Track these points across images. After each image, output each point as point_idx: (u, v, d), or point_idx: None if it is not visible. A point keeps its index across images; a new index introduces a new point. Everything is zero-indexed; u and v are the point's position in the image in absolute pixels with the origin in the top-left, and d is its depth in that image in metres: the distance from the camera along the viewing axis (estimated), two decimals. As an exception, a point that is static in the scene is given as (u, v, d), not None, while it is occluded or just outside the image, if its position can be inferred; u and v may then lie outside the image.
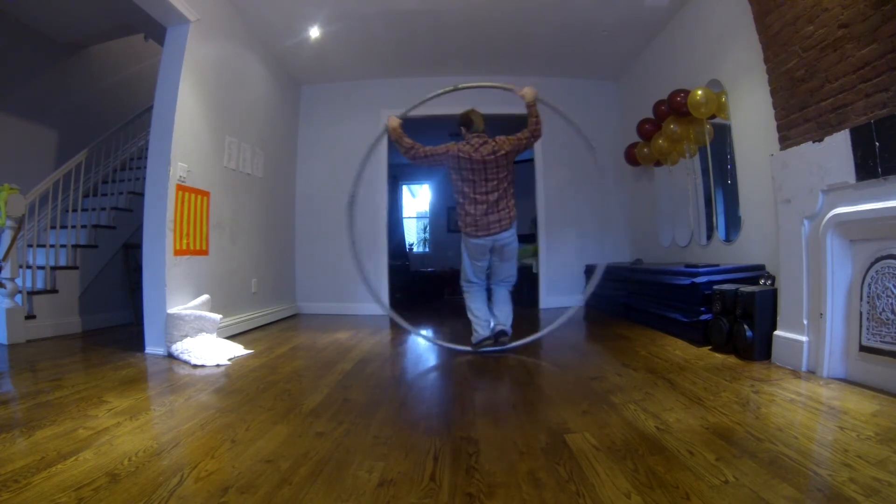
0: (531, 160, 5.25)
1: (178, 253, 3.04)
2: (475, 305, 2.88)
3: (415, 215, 9.81)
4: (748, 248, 3.10)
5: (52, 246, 3.80)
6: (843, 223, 2.01)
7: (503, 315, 2.89)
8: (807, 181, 2.18)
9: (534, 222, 5.45)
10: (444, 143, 2.79)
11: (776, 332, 2.35)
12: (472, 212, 2.71)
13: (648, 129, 4.08)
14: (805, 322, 2.18)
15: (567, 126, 3.05)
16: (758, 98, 2.80)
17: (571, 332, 3.81)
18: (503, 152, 2.71)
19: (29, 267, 3.63)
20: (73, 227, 4.02)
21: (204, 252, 3.35)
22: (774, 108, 2.47)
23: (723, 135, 3.35)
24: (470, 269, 2.88)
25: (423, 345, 3.35)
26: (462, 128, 2.85)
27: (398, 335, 3.78)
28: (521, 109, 2.88)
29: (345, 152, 5.16)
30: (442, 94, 2.89)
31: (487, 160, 2.69)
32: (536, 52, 4.61)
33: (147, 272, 2.96)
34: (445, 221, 9.29)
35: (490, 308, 2.94)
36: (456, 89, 2.89)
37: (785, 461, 1.26)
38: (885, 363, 1.83)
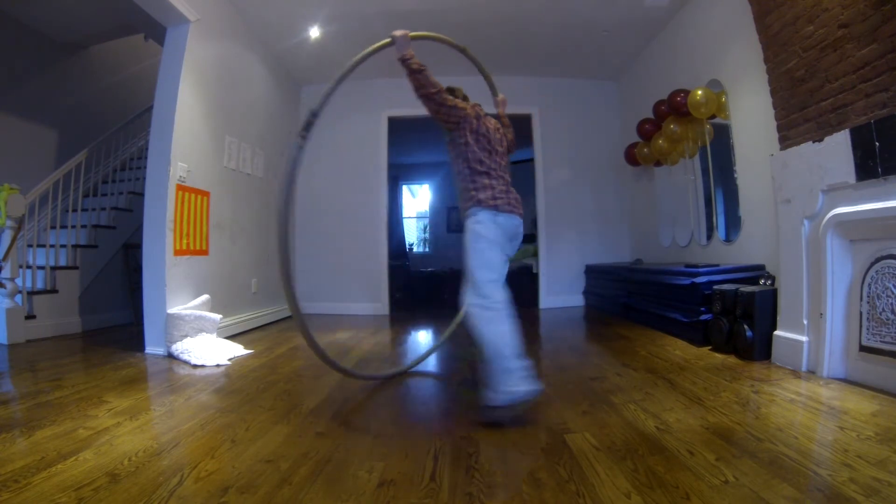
0: (531, 160, 5.25)
1: (178, 253, 3.03)
2: (508, 329, 1.71)
3: (415, 215, 9.81)
4: (748, 248, 3.10)
5: (52, 246, 3.80)
6: (843, 223, 2.01)
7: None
8: (807, 181, 2.18)
9: (533, 222, 5.46)
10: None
11: (776, 332, 2.35)
12: (494, 185, 1.96)
13: (648, 129, 4.08)
14: (805, 322, 2.18)
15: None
16: (758, 98, 2.80)
17: (571, 332, 3.82)
18: (504, 133, 2.19)
19: (29, 267, 3.63)
20: (73, 227, 4.02)
21: (204, 252, 3.35)
22: (774, 108, 2.47)
23: (723, 135, 3.35)
24: (498, 261, 1.84)
25: (423, 345, 3.35)
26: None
27: (398, 335, 3.78)
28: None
29: (345, 152, 5.18)
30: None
31: (498, 134, 2.11)
32: (536, 52, 4.61)
33: (147, 272, 2.96)
34: (445, 221, 9.30)
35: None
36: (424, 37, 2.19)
37: (785, 461, 1.26)
38: (885, 363, 1.83)
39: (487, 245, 1.83)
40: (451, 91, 2.10)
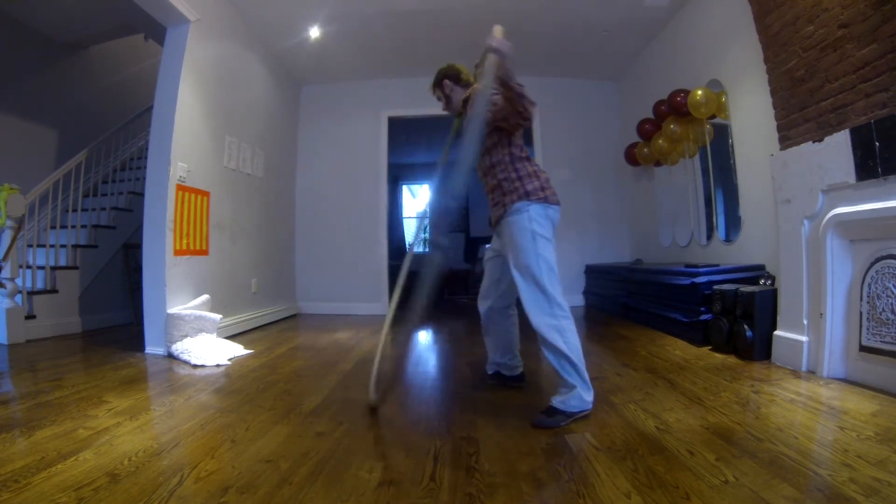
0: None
1: (178, 253, 3.03)
2: (578, 342, 1.66)
3: (415, 215, 9.81)
4: (748, 248, 3.10)
5: (52, 246, 3.79)
6: (843, 223, 2.01)
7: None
8: (807, 181, 2.18)
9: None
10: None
11: (776, 332, 2.35)
12: (538, 173, 1.84)
13: (648, 129, 4.08)
14: (805, 322, 2.18)
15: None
16: (758, 98, 2.80)
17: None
18: None
19: (29, 267, 3.63)
20: (73, 227, 4.02)
21: (204, 252, 3.35)
22: (774, 108, 2.47)
23: (723, 135, 3.35)
24: (555, 262, 1.71)
25: (423, 345, 3.35)
26: (448, 80, 2.05)
27: (398, 336, 3.77)
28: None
29: (345, 152, 5.18)
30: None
31: None
32: (536, 52, 4.60)
33: (147, 272, 2.96)
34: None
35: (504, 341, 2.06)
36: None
37: (785, 461, 1.26)
38: (885, 363, 1.83)
39: (546, 245, 1.67)
40: (457, 73, 2.03)
